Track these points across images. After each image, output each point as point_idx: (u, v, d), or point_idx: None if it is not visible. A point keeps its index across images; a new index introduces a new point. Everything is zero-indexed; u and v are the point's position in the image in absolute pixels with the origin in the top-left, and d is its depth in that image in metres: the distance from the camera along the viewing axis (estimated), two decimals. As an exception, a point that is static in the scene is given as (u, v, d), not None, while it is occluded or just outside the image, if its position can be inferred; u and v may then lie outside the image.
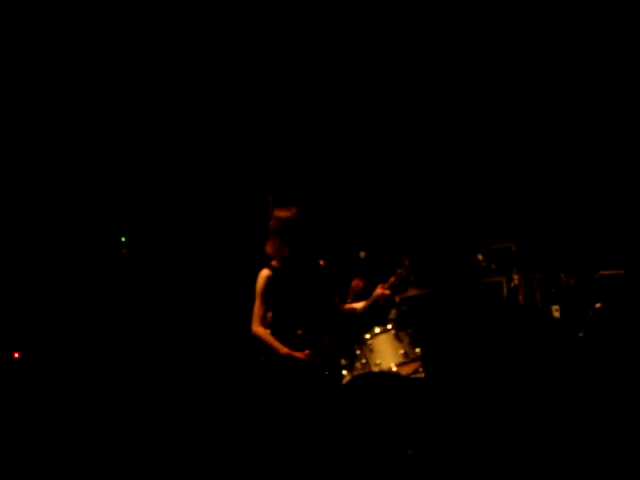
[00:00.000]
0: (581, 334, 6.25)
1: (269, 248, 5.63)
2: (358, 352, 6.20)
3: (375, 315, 6.24)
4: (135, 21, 7.77)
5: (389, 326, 6.25)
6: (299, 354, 5.43)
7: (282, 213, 5.62)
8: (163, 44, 7.90)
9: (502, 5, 7.67)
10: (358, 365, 6.16)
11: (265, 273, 5.59)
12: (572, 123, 7.65)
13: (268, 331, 5.55)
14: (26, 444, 6.35)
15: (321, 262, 5.81)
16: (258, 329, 5.54)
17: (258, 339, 5.54)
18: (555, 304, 6.72)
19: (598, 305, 6.28)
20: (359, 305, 6.02)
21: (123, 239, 7.51)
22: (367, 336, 6.22)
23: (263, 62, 8.05)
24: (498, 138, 7.89)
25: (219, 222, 8.02)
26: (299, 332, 5.52)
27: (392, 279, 5.94)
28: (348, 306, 6.05)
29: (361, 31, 7.94)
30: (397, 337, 6.24)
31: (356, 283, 6.27)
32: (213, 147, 8.16)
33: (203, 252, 8.02)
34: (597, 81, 7.50)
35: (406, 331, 6.25)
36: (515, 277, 6.83)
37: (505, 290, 6.89)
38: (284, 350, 5.44)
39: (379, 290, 5.90)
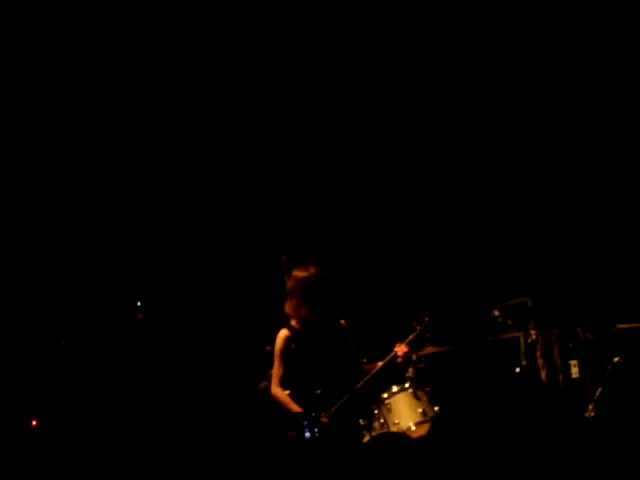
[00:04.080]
0: (600, 390, 6.17)
1: (288, 308, 5.65)
2: (376, 412, 6.15)
3: (394, 374, 6.19)
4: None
5: (407, 384, 6.21)
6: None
7: (300, 273, 5.64)
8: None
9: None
10: (376, 425, 6.09)
11: (284, 333, 5.61)
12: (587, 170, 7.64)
13: (287, 392, 5.53)
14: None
15: (342, 321, 5.81)
16: (276, 390, 5.54)
17: (276, 400, 5.53)
18: (573, 359, 6.68)
19: (616, 359, 6.23)
20: (378, 364, 5.98)
21: (139, 304, 7.51)
22: (385, 395, 6.17)
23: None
24: (510, 191, 7.90)
25: (238, 283, 8.00)
26: (318, 392, 5.49)
27: (411, 336, 5.90)
28: (368, 365, 6.01)
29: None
30: (415, 395, 6.19)
31: (400, 348, 6.09)
32: (225, 203, 8.17)
33: (221, 313, 7.98)
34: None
35: (424, 389, 6.20)
36: (532, 332, 6.80)
37: (523, 346, 6.85)
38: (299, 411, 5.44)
39: (397, 347, 5.86)
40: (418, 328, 5.90)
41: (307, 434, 5.45)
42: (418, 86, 8.00)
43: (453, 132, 8.02)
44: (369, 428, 6.11)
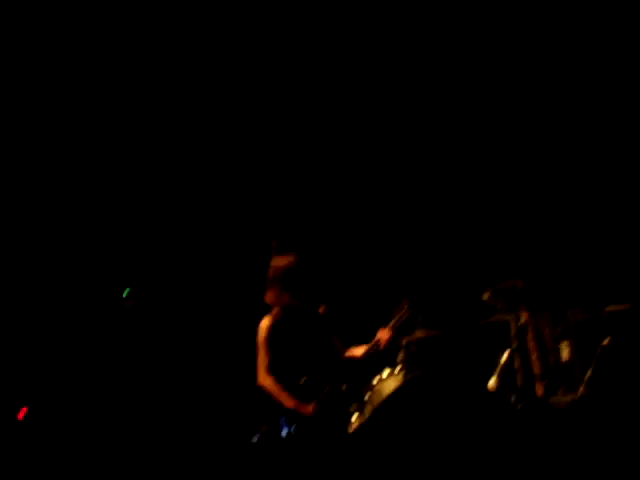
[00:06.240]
0: (590, 372, 6.13)
1: (269, 298, 5.59)
2: (366, 397, 6.12)
3: (383, 358, 6.15)
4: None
5: (397, 370, 6.18)
6: (305, 408, 5.37)
7: (280, 262, 5.59)
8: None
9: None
10: (367, 411, 6.08)
11: (266, 323, 5.56)
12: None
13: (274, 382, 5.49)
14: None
15: (323, 307, 5.77)
16: (264, 380, 5.49)
17: (265, 391, 5.49)
18: (564, 341, 6.63)
19: (606, 341, 6.17)
20: (359, 350, 5.92)
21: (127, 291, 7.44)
22: (374, 381, 6.14)
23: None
24: (496, 173, 7.79)
25: (220, 269, 7.94)
26: (303, 380, 5.45)
27: (392, 322, 5.86)
28: (348, 353, 5.95)
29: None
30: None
31: (382, 334, 6.04)
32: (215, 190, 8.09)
33: (210, 300, 7.93)
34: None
35: (414, 374, 6.17)
36: (523, 315, 6.73)
37: (513, 329, 6.79)
38: (291, 403, 5.39)
39: (379, 334, 5.83)
40: (399, 315, 5.86)
41: (284, 432, 5.39)
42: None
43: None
44: (360, 413, 6.08)
